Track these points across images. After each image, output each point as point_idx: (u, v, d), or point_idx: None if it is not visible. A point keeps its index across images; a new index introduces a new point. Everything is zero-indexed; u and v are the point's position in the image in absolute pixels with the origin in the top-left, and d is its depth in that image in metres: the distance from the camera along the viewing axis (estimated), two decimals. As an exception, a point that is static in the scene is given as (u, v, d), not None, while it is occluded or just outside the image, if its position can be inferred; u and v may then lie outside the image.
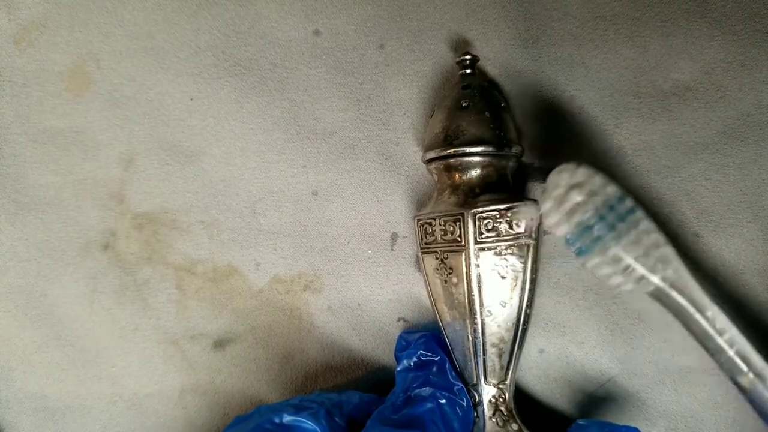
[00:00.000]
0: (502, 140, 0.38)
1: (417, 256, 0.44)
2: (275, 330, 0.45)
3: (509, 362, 0.39)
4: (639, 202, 0.32)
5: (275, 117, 0.45)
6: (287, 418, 0.34)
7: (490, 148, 0.38)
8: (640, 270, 0.31)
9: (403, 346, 0.41)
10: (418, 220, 0.40)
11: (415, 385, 0.38)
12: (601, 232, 0.31)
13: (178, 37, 0.45)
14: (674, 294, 0.32)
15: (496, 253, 0.37)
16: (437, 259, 0.39)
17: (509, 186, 0.40)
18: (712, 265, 0.41)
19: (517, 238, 0.37)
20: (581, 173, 0.32)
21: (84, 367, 0.46)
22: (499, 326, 0.38)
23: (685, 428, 0.42)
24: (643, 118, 0.42)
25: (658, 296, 0.32)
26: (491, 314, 0.38)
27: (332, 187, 0.45)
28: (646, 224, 0.32)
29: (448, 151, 0.38)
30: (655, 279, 0.31)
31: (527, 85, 0.43)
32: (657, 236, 0.32)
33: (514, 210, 0.37)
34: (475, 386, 0.39)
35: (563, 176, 0.33)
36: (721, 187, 0.41)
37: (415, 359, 0.40)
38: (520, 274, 0.38)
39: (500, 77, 0.43)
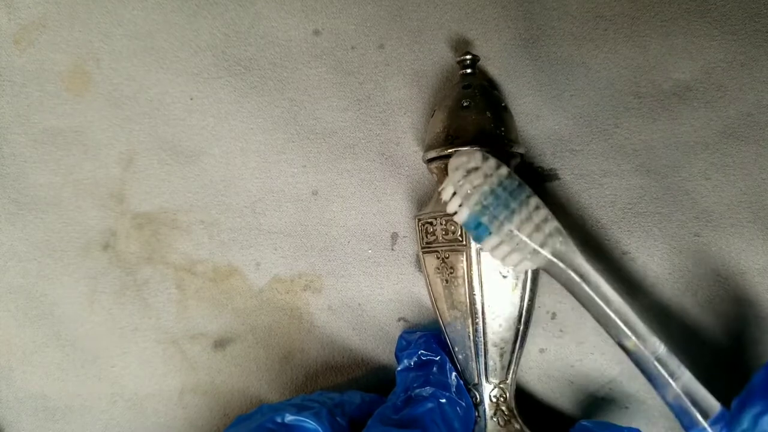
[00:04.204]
0: (503, 140, 0.38)
1: (417, 255, 0.44)
2: (275, 330, 0.45)
3: (510, 362, 0.39)
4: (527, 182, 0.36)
5: (275, 117, 0.45)
6: (289, 418, 0.34)
7: (491, 148, 0.38)
8: (532, 245, 0.34)
9: (404, 345, 0.41)
10: (419, 220, 0.40)
11: (415, 385, 0.38)
12: (497, 211, 0.34)
13: (178, 37, 0.45)
14: (562, 266, 0.34)
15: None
16: (438, 258, 0.39)
17: (510, 185, 0.40)
18: (712, 265, 0.42)
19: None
20: (476, 158, 0.35)
21: (84, 367, 0.46)
22: (500, 326, 0.38)
23: (686, 428, 0.42)
24: (643, 118, 0.42)
25: (549, 269, 0.35)
26: (492, 314, 0.38)
27: (332, 187, 0.45)
28: (535, 201, 0.35)
29: (450, 150, 0.38)
30: (545, 252, 0.34)
31: (527, 85, 0.43)
32: (545, 212, 0.35)
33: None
34: (476, 386, 0.39)
35: (461, 162, 0.35)
36: (721, 187, 0.42)
37: (415, 359, 0.40)
38: (521, 274, 0.38)
39: (500, 77, 0.43)
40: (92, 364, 0.46)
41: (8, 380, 0.46)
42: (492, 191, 0.34)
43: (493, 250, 0.35)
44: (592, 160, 0.43)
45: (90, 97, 0.46)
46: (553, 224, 0.35)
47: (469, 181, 0.34)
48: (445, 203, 0.36)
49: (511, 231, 0.34)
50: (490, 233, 0.34)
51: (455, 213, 0.35)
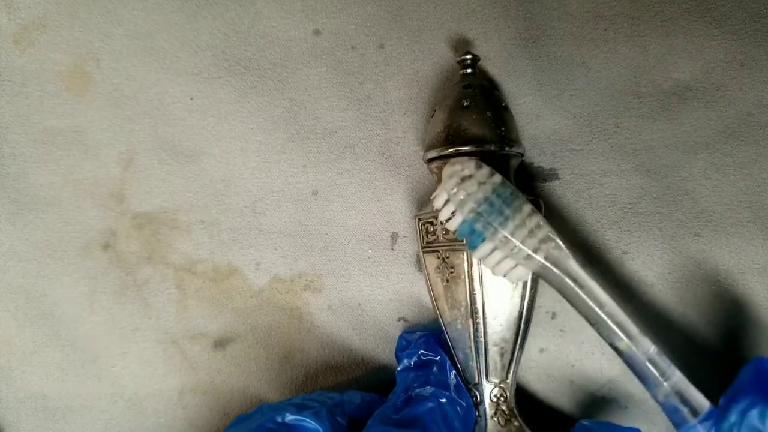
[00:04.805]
0: (504, 139, 0.38)
1: (418, 255, 0.44)
2: (275, 330, 0.45)
3: (510, 361, 0.39)
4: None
5: (275, 116, 0.45)
6: (289, 417, 0.34)
7: (492, 148, 0.38)
8: (526, 250, 0.34)
9: (404, 345, 0.41)
10: (420, 220, 0.40)
11: (416, 385, 0.38)
12: (491, 217, 0.34)
13: (178, 37, 0.45)
14: (556, 271, 0.35)
15: (497, 252, 0.37)
16: (439, 258, 0.39)
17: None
18: (712, 265, 0.42)
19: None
20: (470, 166, 0.35)
21: (84, 367, 0.46)
22: (500, 325, 0.38)
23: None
24: (643, 118, 0.42)
25: (542, 273, 0.35)
26: (493, 313, 0.38)
27: (332, 187, 0.45)
28: (529, 208, 0.35)
29: (450, 150, 0.38)
30: (539, 257, 0.34)
31: (527, 85, 0.43)
32: (538, 218, 0.35)
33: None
34: (477, 385, 0.39)
35: (455, 170, 0.35)
36: (721, 187, 0.42)
37: (415, 359, 0.40)
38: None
39: (500, 77, 0.43)
40: (92, 364, 0.46)
41: (8, 380, 0.46)
42: (486, 198, 0.34)
43: (486, 256, 0.35)
44: (592, 160, 0.43)
45: (90, 97, 0.46)
46: (546, 229, 0.35)
47: (463, 188, 0.35)
48: (438, 210, 0.36)
49: (505, 237, 0.34)
50: (483, 240, 0.35)
51: (448, 220, 0.36)
